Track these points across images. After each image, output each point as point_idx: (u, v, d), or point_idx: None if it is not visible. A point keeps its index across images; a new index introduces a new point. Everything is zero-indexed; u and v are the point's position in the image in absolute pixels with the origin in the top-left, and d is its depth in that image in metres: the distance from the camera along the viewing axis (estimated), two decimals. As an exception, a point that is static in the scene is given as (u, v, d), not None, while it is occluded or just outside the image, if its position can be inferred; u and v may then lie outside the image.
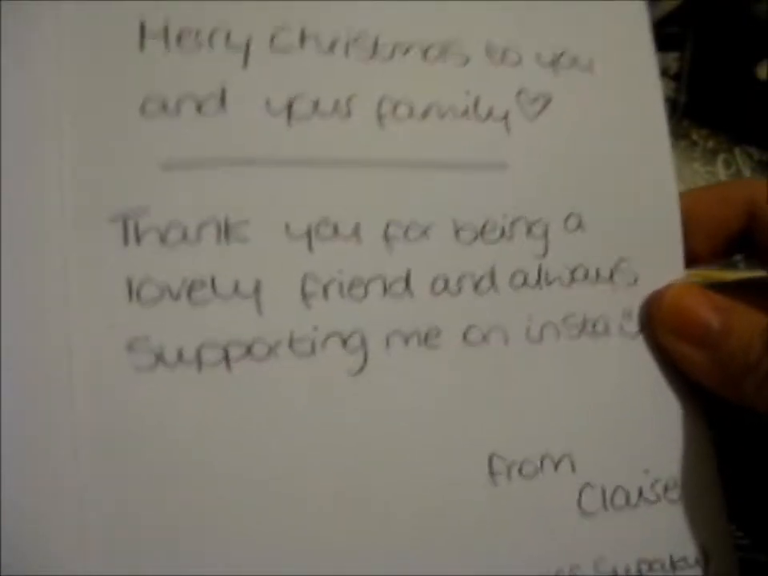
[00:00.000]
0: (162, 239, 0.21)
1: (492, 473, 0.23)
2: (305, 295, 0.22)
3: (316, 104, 0.22)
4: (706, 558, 0.25)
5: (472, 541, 0.22)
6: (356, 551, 0.21)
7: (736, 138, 0.48)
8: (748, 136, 0.48)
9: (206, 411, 0.21)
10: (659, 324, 0.25)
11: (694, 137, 0.48)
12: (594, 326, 0.24)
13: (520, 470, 0.23)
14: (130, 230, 0.21)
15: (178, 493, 0.20)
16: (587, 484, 0.24)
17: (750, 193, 0.26)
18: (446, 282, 0.23)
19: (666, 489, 0.25)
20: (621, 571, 0.24)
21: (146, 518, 0.20)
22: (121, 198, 0.21)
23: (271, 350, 0.21)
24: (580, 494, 0.24)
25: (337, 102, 0.22)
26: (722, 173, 0.48)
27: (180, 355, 0.21)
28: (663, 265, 0.25)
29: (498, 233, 0.24)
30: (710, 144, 0.48)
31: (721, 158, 0.48)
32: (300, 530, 0.21)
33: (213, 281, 0.21)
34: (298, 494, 0.21)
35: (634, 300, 0.25)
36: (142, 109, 0.21)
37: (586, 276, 0.24)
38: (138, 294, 0.20)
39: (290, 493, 0.21)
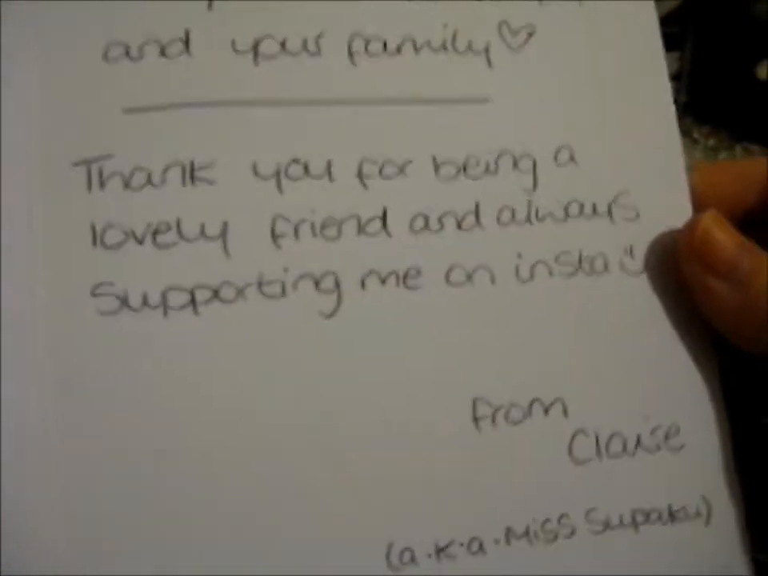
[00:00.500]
0: (126, 184, 0.20)
1: (476, 418, 0.22)
2: (275, 236, 0.21)
3: (283, 44, 0.22)
4: (708, 509, 0.23)
5: (453, 489, 0.22)
6: (331, 498, 0.21)
7: (737, 136, 0.46)
8: (749, 133, 0.46)
9: (173, 355, 0.20)
10: (688, 253, 0.23)
11: (695, 135, 0.47)
12: (592, 263, 0.23)
13: (506, 416, 0.22)
14: (94, 175, 0.20)
15: (144, 436, 0.20)
16: (580, 430, 0.23)
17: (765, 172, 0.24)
18: (426, 219, 0.22)
19: (666, 436, 0.23)
20: (614, 521, 0.23)
21: (112, 460, 0.20)
22: (84, 144, 0.20)
23: (239, 293, 0.21)
24: (571, 441, 0.23)
25: (305, 41, 0.22)
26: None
27: (145, 299, 0.20)
28: (667, 198, 0.24)
29: (481, 168, 0.22)
30: (711, 142, 0.47)
31: (722, 155, 0.47)
32: (273, 475, 0.21)
33: (178, 224, 0.21)
34: (270, 439, 0.21)
35: (636, 236, 0.23)
36: (105, 54, 0.21)
37: (581, 211, 0.23)
38: (102, 239, 0.20)
39: (263, 437, 0.20)
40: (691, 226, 0.23)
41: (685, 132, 0.45)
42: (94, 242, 0.20)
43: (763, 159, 0.25)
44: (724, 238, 0.23)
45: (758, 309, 0.22)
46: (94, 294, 0.20)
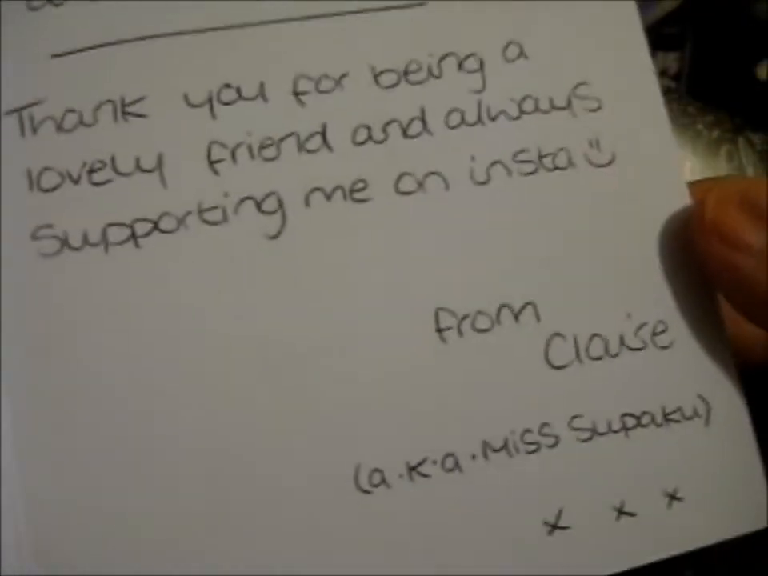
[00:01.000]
0: (59, 127, 0.20)
1: (439, 329, 0.21)
2: (211, 162, 0.21)
3: None
4: (707, 408, 0.22)
5: (421, 404, 0.21)
6: (289, 420, 0.20)
7: (741, 123, 0.46)
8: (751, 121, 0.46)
9: (117, 291, 0.20)
10: (702, 227, 0.21)
11: (699, 126, 0.45)
12: (554, 159, 0.22)
13: (473, 324, 0.21)
14: (26, 122, 0.20)
15: (95, 375, 0.19)
16: (556, 334, 0.21)
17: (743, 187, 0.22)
18: (369, 130, 0.21)
19: (653, 333, 0.22)
20: (601, 428, 0.21)
21: (64, 406, 0.19)
22: (14, 93, 0.20)
23: (180, 222, 0.20)
24: (547, 346, 0.21)
25: None
26: (724, 167, 0.46)
27: (85, 238, 0.20)
28: (630, 86, 0.22)
29: (424, 73, 0.22)
30: (715, 134, 0.45)
31: (724, 149, 0.45)
32: (228, 402, 0.20)
33: (113, 160, 0.20)
34: (223, 367, 0.20)
35: (600, 128, 0.22)
36: (29, 3, 0.21)
37: (536, 106, 0.22)
38: (38, 183, 0.20)
39: (214, 364, 0.20)
40: (700, 203, 0.22)
41: (687, 125, 0.45)
42: (31, 187, 0.20)
43: (747, 179, 0.24)
44: (735, 208, 0.21)
45: None
46: (34, 237, 0.20)
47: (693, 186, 0.23)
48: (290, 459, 0.20)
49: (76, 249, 0.20)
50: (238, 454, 0.20)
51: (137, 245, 0.20)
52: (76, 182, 0.20)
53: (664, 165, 0.22)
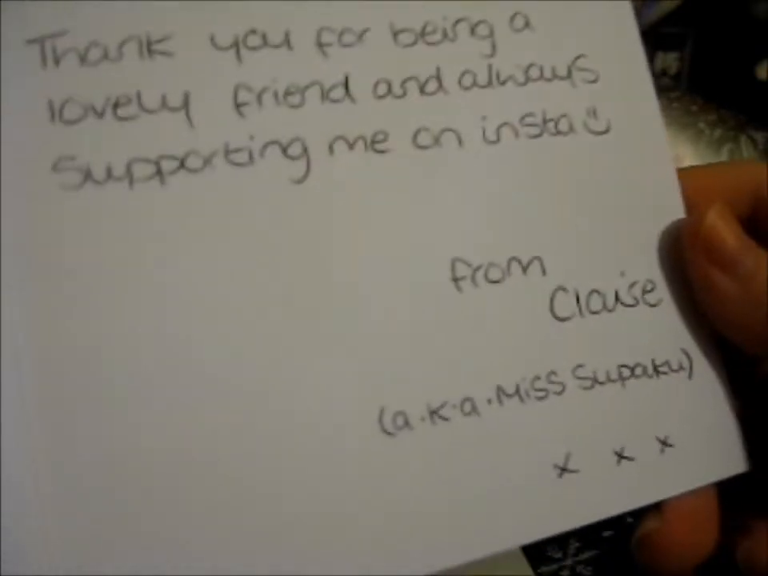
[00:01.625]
0: (82, 59, 0.20)
1: (455, 279, 0.22)
2: (237, 105, 0.21)
3: None
4: (689, 362, 0.23)
5: (440, 349, 0.21)
6: (318, 364, 0.21)
7: (743, 121, 0.47)
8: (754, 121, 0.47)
9: (141, 226, 0.20)
10: (693, 243, 0.23)
11: (701, 125, 0.46)
12: (557, 124, 0.23)
13: (486, 275, 0.22)
14: (48, 52, 0.20)
15: (116, 314, 0.19)
16: (560, 288, 0.23)
17: (758, 179, 0.25)
18: (389, 85, 0.22)
19: (643, 291, 0.23)
20: (601, 377, 0.23)
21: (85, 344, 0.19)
22: (36, 21, 0.20)
23: (206, 162, 0.20)
24: (552, 299, 0.23)
25: None
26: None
27: (109, 172, 0.20)
28: (624, 62, 0.24)
29: (439, 35, 0.22)
30: (716, 133, 0.47)
31: (726, 147, 0.47)
32: (255, 345, 0.20)
33: (139, 96, 0.20)
34: (246, 307, 0.20)
35: (597, 98, 0.24)
36: None
37: (541, 74, 0.23)
38: (60, 114, 0.20)
39: (236, 302, 0.20)
40: (697, 217, 0.23)
41: (689, 124, 0.46)
42: (52, 118, 0.20)
43: (754, 165, 0.26)
44: (729, 231, 0.23)
45: (760, 305, 0.22)
46: (55, 170, 0.19)
47: (687, 175, 0.24)
48: (317, 402, 0.20)
49: (99, 183, 0.20)
50: (264, 394, 0.20)
51: (162, 182, 0.20)
52: (100, 115, 0.20)
53: (653, 136, 0.24)
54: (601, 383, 0.23)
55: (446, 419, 0.21)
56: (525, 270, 0.22)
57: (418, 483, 0.21)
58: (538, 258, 0.22)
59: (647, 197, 0.24)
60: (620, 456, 0.22)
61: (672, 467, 0.23)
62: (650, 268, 0.23)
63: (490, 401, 0.21)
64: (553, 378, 0.22)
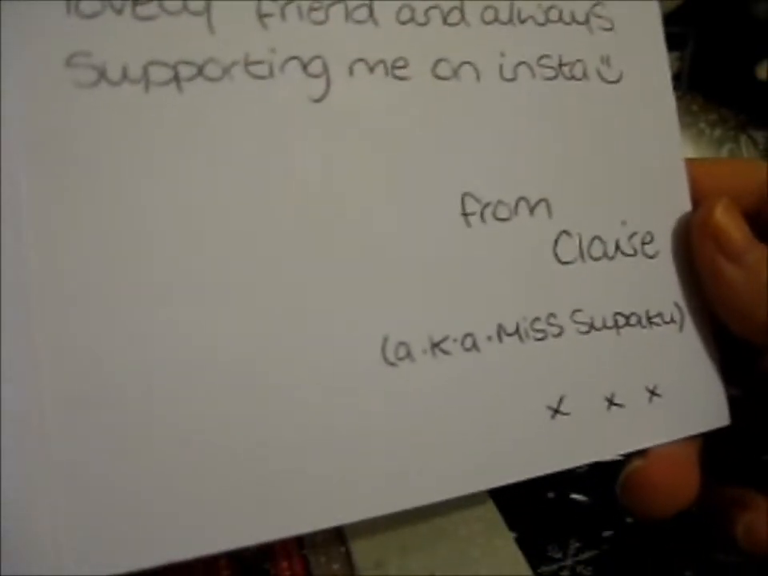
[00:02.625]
0: None
1: (465, 213, 0.22)
2: (260, 16, 0.20)
3: None
4: (681, 316, 0.24)
5: (445, 282, 0.21)
6: (325, 290, 0.20)
7: (744, 121, 0.48)
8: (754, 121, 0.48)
9: (155, 133, 0.19)
10: (703, 231, 0.23)
11: (702, 125, 0.47)
12: (572, 69, 0.23)
13: (494, 212, 0.22)
14: None
15: (123, 218, 0.19)
16: (564, 231, 0.23)
17: (761, 177, 0.25)
18: (413, 11, 0.22)
19: (642, 243, 0.24)
20: (597, 323, 0.23)
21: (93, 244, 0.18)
22: None
23: (225, 71, 0.20)
24: (556, 242, 0.23)
25: None
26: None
27: (125, 72, 0.19)
28: (639, 14, 0.24)
29: None
30: (717, 133, 0.47)
31: (726, 147, 0.47)
32: (265, 266, 0.20)
33: None
34: (258, 218, 0.20)
35: (611, 46, 0.24)
36: None
37: (560, 17, 0.23)
38: (77, 8, 0.19)
39: (250, 221, 0.20)
40: (708, 207, 0.23)
41: (690, 123, 0.47)
42: (68, 10, 0.19)
43: (761, 163, 0.26)
44: (736, 224, 0.23)
45: (763, 296, 0.23)
46: (69, 65, 0.19)
47: (697, 166, 0.25)
48: (322, 329, 0.20)
49: (114, 83, 0.19)
50: (266, 321, 0.20)
51: (179, 88, 0.19)
52: (119, 12, 0.19)
53: (661, 92, 0.25)
54: (597, 329, 0.23)
55: (447, 353, 0.21)
56: (532, 210, 0.22)
57: (418, 415, 0.21)
58: (545, 200, 0.22)
59: (651, 150, 0.24)
60: (610, 402, 0.23)
61: (659, 416, 0.23)
62: (649, 220, 0.24)
63: (490, 338, 0.22)
64: (552, 320, 0.22)
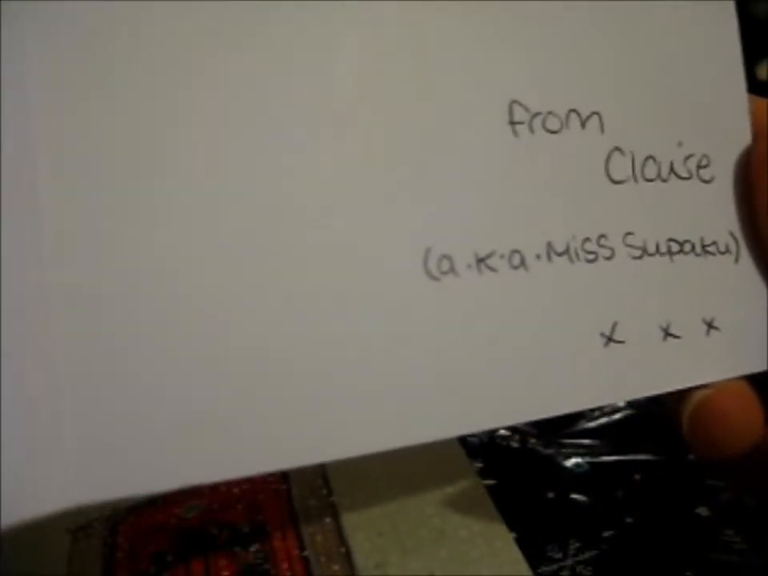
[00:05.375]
0: None
1: (512, 122, 0.20)
2: None
3: None
4: (736, 247, 0.23)
5: (491, 195, 0.20)
6: (365, 196, 0.19)
7: None
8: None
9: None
10: (762, 170, 0.23)
11: None
12: None
13: (544, 123, 0.21)
14: None
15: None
16: (616, 148, 0.22)
17: None
18: None
19: (698, 166, 0.23)
20: (650, 248, 0.22)
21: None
22: None
23: None
24: (608, 159, 0.21)
25: None
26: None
27: None
28: None
29: None
30: None
31: None
32: (300, 171, 0.18)
33: None
34: (298, 131, 0.18)
35: None
36: None
37: None
38: None
39: (291, 131, 0.18)
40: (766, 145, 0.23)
41: None
42: None
43: None
44: None
45: None
46: None
47: (758, 102, 0.24)
48: (360, 238, 0.18)
49: None
50: (304, 227, 0.18)
51: None
52: None
53: (725, 14, 0.24)
54: (650, 254, 0.22)
55: (493, 269, 0.20)
56: (583, 124, 0.21)
57: (460, 334, 0.19)
58: (598, 114, 0.21)
59: (713, 75, 0.23)
60: (666, 332, 0.22)
61: (717, 351, 0.22)
62: (706, 143, 0.23)
63: (539, 256, 0.20)
64: (603, 241, 0.21)
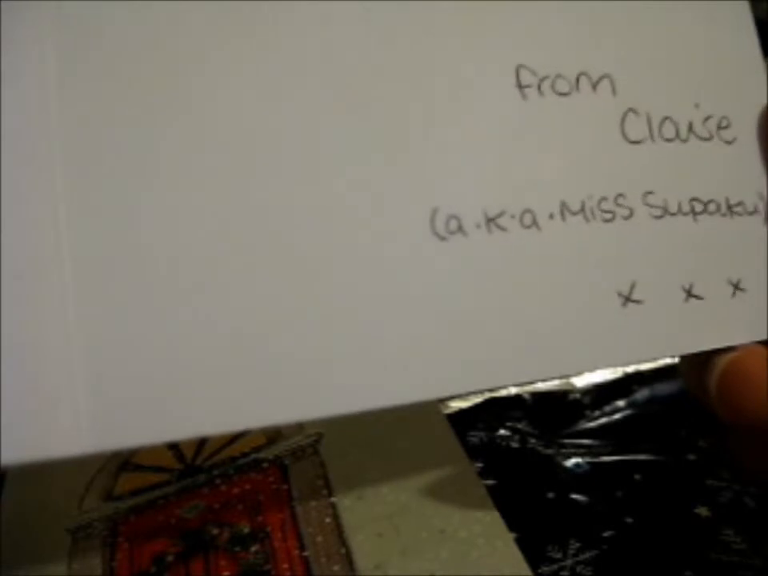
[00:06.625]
0: None
1: (520, 85, 0.20)
2: None
3: None
4: (765, 205, 0.23)
5: (502, 152, 0.20)
6: (369, 154, 0.19)
7: None
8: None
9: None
10: None
11: None
12: None
13: (553, 86, 0.21)
14: None
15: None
16: (631, 109, 0.21)
17: None
18: None
19: (719, 127, 0.22)
20: (672, 208, 0.22)
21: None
22: None
23: None
24: (623, 120, 0.21)
25: None
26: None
27: None
28: None
29: None
30: None
31: None
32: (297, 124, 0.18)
33: None
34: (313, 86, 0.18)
35: None
36: None
37: None
38: None
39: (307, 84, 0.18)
40: None
41: None
42: None
43: None
44: None
45: None
46: None
47: None
48: (366, 198, 0.18)
49: None
50: (312, 188, 0.18)
51: None
52: None
53: None
54: (672, 214, 0.22)
55: (503, 229, 0.20)
56: (594, 87, 0.21)
57: (470, 294, 0.19)
58: (608, 77, 0.21)
59: (726, 35, 0.23)
60: (689, 293, 0.21)
61: (743, 313, 0.22)
62: (724, 105, 0.23)
63: (552, 215, 0.20)
64: (621, 200, 0.21)
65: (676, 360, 0.38)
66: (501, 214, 0.20)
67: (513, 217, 0.20)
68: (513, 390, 0.37)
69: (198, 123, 0.17)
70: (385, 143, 0.19)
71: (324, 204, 0.18)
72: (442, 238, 0.19)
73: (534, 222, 0.20)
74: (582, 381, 0.38)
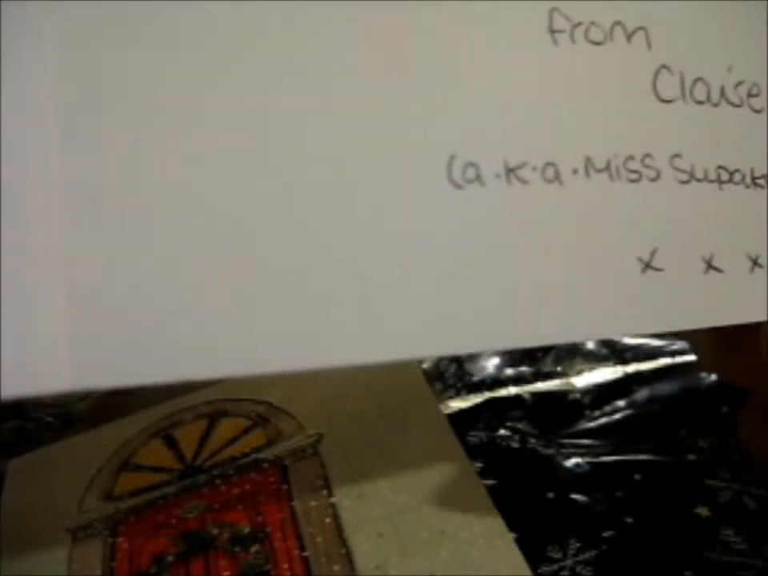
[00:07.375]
0: None
1: (552, 30, 0.19)
2: None
3: None
4: None
5: (526, 102, 0.19)
6: (385, 104, 0.18)
7: None
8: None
9: None
10: None
11: None
12: None
13: (586, 33, 0.20)
14: None
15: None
16: (664, 66, 0.21)
17: None
18: None
19: (749, 94, 0.22)
20: (698, 173, 0.21)
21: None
22: None
23: None
24: (656, 75, 0.21)
25: None
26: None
27: None
28: None
29: None
30: None
31: None
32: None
33: None
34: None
35: None
36: None
37: None
38: None
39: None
40: None
41: None
42: None
43: None
44: None
45: None
46: None
47: None
48: (379, 141, 0.18)
49: None
50: (328, 136, 0.17)
51: None
52: None
53: None
54: (698, 180, 0.21)
55: (523, 181, 0.19)
56: (629, 38, 0.20)
57: (485, 245, 0.18)
58: (644, 29, 0.21)
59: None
60: (708, 264, 0.21)
61: (760, 289, 0.21)
62: (756, 71, 0.22)
63: (575, 171, 0.19)
64: (648, 161, 0.20)
65: (676, 360, 0.38)
66: (522, 165, 0.19)
67: (534, 169, 0.19)
68: (513, 390, 0.37)
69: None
70: (401, 84, 0.18)
71: (335, 149, 0.17)
72: (458, 186, 0.18)
73: (557, 177, 0.19)
74: (581, 381, 0.38)
